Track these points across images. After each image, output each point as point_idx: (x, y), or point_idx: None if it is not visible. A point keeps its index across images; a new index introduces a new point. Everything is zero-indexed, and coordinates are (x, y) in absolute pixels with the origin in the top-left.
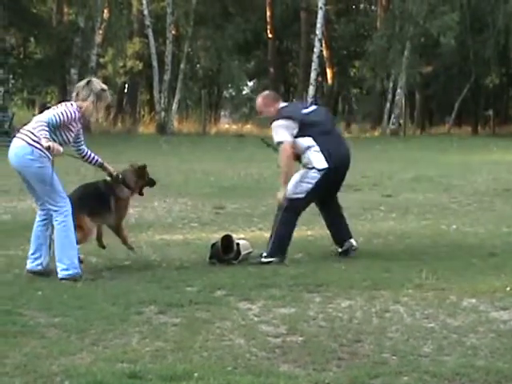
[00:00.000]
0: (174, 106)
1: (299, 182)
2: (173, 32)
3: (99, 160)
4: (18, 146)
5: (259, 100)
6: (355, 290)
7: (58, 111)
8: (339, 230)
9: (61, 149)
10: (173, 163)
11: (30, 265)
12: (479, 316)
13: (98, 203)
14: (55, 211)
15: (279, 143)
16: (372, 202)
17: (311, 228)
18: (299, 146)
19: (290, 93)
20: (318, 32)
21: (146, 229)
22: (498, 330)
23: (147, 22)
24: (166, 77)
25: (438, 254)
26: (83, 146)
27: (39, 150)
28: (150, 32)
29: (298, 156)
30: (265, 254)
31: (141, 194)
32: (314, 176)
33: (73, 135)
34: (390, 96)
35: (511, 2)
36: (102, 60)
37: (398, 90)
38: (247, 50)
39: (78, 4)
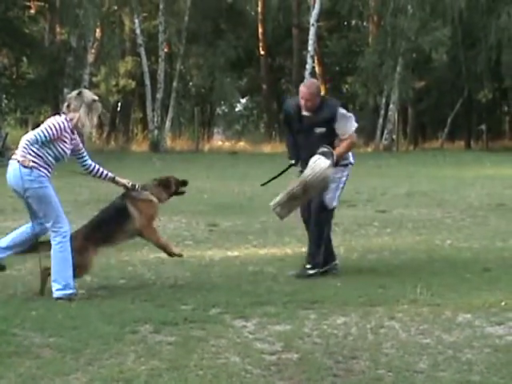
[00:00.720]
0: (167, 124)
1: (336, 190)
2: (165, 50)
3: (109, 174)
4: (15, 168)
5: (313, 88)
6: (350, 307)
7: (46, 125)
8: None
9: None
10: None
11: None
12: (474, 331)
13: (114, 223)
14: (54, 231)
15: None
16: (366, 217)
17: (305, 245)
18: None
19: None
20: (310, 48)
21: (141, 247)
22: (493, 345)
23: (139, 41)
24: (159, 95)
25: (432, 270)
26: (88, 161)
27: (37, 169)
28: (142, 50)
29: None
30: (309, 266)
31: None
32: (343, 180)
33: (68, 146)
34: (382, 111)
35: (503, 17)
36: (94, 79)
37: (391, 106)
38: (240, 67)
39: (70, 24)
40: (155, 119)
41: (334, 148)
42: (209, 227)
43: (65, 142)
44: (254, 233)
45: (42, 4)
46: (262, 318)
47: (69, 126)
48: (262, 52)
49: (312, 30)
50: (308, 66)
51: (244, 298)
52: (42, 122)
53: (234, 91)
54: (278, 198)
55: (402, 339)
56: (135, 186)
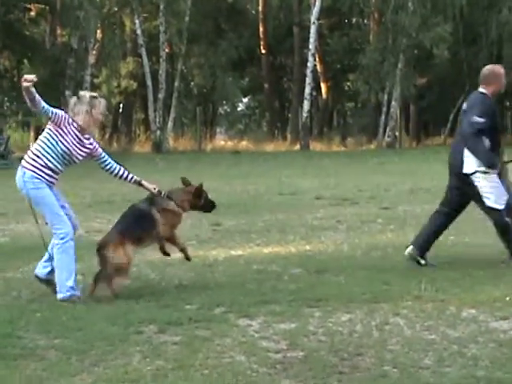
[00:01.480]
0: (170, 124)
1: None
2: (166, 50)
3: (135, 177)
4: (18, 171)
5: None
6: (355, 304)
7: (47, 126)
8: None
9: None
10: (169, 181)
11: (39, 270)
12: (479, 326)
13: (141, 226)
14: (54, 233)
15: None
16: (369, 214)
17: (309, 243)
18: None
19: (286, 108)
20: (311, 47)
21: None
22: (498, 340)
23: (140, 42)
24: (161, 95)
25: (436, 265)
26: (111, 163)
27: (31, 171)
28: (143, 51)
29: None
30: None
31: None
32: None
33: (71, 143)
34: (384, 109)
35: (504, 12)
36: (96, 80)
37: (393, 103)
38: (241, 66)
39: (71, 25)
40: (157, 120)
41: None
42: (212, 227)
43: (66, 137)
44: (257, 232)
45: (43, 6)
46: (266, 317)
47: (72, 123)
48: (264, 51)
49: (313, 28)
50: (309, 64)
51: (248, 297)
52: (43, 125)
53: (235, 90)
54: None
55: (407, 335)
56: (161, 192)
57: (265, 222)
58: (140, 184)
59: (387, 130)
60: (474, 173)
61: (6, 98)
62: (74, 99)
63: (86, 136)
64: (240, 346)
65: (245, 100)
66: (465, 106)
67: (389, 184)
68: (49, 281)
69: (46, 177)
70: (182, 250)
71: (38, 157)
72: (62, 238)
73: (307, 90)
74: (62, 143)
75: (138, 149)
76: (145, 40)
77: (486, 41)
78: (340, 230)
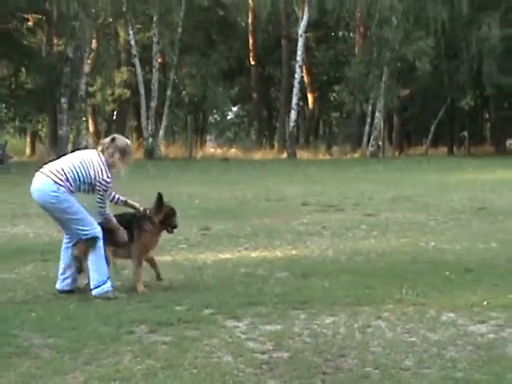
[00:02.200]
0: (161, 132)
1: None
2: (159, 60)
3: (121, 198)
4: (42, 183)
5: None
6: (338, 307)
7: (93, 169)
8: None
9: None
10: (160, 187)
11: (60, 285)
12: (458, 330)
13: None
14: (86, 235)
15: None
16: (354, 221)
17: (295, 247)
18: None
19: (273, 117)
20: (298, 58)
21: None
22: (476, 343)
23: (134, 52)
24: (153, 104)
25: (417, 271)
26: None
27: (63, 187)
28: (136, 61)
29: None
30: None
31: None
32: None
33: (103, 177)
34: (368, 119)
35: (483, 28)
36: (90, 89)
37: (377, 114)
38: (231, 76)
39: (67, 35)
40: (149, 127)
41: None
42: (201, 231)
43: (100, 172)
44: (245, 236)
45: (40, 16)
46: (253, 318)
47: (107, 172)
48: (253, 62)
49: (300, 41)
50: (297, 76)
51: (236, 299)
52: (39, 131)
53: (225, 100)
54: None
55: (389, 338)
56: (146, 210)
57: (252, 227)
58: (126, 203)
59: (371, 139)
60: None
61: (3, 105)
62: (108, 140)
63: (109, 174)
64: (227, 346)
65: (234, 109)
66: None
67: (372, 192)
68: (73, 289)
69: (70, 187)
70: (136, 280)
71: (65, 175)
72: (94, 237)
73: (294, 100)
74: (90, 176)
75: None
76: (138, 50)
77: (467, 55)
78: (325, 236)
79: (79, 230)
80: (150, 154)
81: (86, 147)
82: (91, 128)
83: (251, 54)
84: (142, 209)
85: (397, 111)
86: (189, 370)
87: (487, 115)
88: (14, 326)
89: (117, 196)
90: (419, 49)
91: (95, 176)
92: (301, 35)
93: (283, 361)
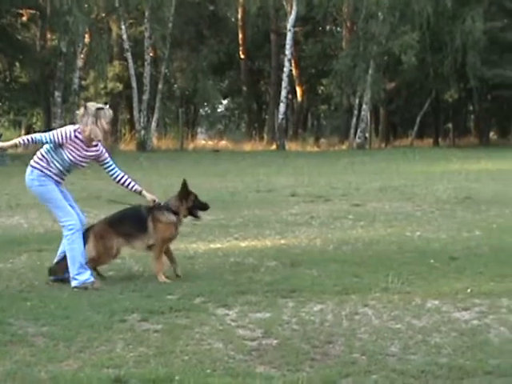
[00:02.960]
0: (153, 125)
1: None
2: (150, 55)
3: (136, 186)
4: (27, 170)
5: None
6: (326, 295)
7: (54, 131)
8: None
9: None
10: (152, 178)
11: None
12: (442, 316)
13: (134, 226)
14: (62, 226)
15: None
16: (341, 211)
17: (284, 237)
18: None
19: (263, 110)
20: (287, 52)
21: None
22: (459, 330)
23: (126, 46)
24: (145, 97)
25: (403, 259)
26: (115, 170)
27: (38, 169)
28: (129, 55)
29: None
30: None
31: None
32: None
33: (75, 156)
34: (355, 111)
35: (468, 22)
36: (84, 82)
37: (364, 106)
38: (221, 70)
39: (61, 30)
40: (142, 120)
41: None
42: (193, 221)
43: (71, 150)
44: (235, 226)
45: (34, 12)
46: (243, 307)
47: (77, 137)
48: (242, 56)
49: (289, 35)
50: (285, 69)
51: (226, 288)
52: (34, 124)
53: (216, 93)
54: None
55: (375, 325)
56: (159, 203)
57: (242, 218)
58: (140, 193)
59: (358, 131)
60: None
61: None
62: (81, 110)
63: (94, 143)
64: (218, 333)
65: (224, 102)
66: None
67: (359, 182)
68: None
69: (53, 176)
70: (156, 270)
71: (47, 161)
72: (70, 229)
73: (283, 93)
74: (68, 158)
75: (124, 147)
76: (130, 45)
77: (451, 48)
78: (313, 226)
79: (60, 219)
80: (143, 146)
81: None
82: None
83: (241, 49)
84: (156, 202)
85: (383, 104)
86: (180, 357)
87: (471, 107)
88: (9, 315)
89: (132, 183)
90: (405, 43)
91: (59, 139)
92: (289, 30)
93: (272, 347)
